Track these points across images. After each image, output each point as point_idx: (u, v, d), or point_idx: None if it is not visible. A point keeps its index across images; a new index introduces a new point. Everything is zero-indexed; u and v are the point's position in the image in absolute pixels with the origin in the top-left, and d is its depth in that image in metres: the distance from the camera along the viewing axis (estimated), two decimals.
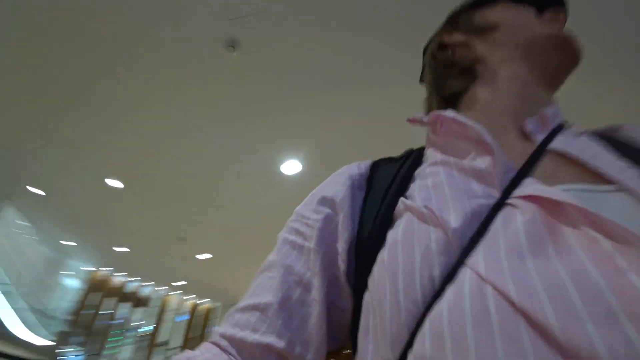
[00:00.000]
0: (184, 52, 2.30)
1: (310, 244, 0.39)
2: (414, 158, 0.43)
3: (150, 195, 4.51)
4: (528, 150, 0.35)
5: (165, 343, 10.00)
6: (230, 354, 0.36)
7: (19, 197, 6.59)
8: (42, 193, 5.93)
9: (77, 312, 9.72)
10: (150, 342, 9.85)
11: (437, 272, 0.27)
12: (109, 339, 10.01)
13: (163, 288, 10.16)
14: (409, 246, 0.29)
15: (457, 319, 0.23)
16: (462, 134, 0.38)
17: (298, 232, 0.41)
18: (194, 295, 10.30)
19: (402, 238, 0.30)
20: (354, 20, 1.89)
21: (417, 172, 0.40)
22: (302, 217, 0.42)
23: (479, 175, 0.33)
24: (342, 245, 0.38)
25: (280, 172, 3.36)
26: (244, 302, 0.39)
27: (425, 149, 0.45)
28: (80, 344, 8.80)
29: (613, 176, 0.27)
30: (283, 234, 0.43)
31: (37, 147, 4.34)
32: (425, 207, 0.31)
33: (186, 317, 10.46)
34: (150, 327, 10.25)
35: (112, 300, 9.91)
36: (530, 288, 0.21)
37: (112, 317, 9.79)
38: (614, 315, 0.18)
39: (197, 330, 10.07)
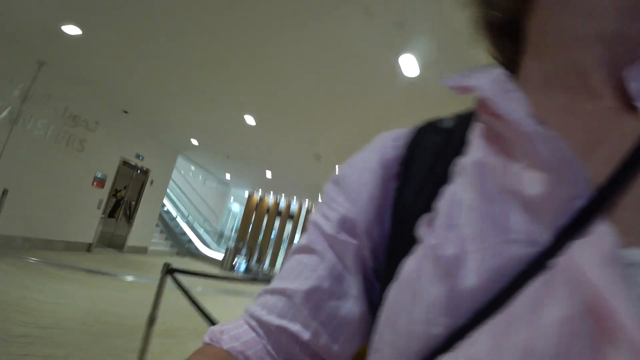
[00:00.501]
0: None
1: (341, 236, 0.34)
2: (459, 136, 0.32)
3: (281, 124, 4.98)
4: (628, 137, 0.20)
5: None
6: (259, 334, 0.36)
7: (185, 149, 8.18)
8: (197, 143, 7.20)
9: (242, 229, 12.20)
10: (289, 244, 11.91)
11: (434, 332, 0.22)
12: (268, 248, 12.39)
13: (308, 203, 11.67)
14: (411, 290, 0.25)
15: None
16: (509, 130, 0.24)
17: (324, 216, 0.36)
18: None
19: (408, 277, 0.26)
20: None
21: (458, 165, 0.28)
22: (330, 199, 0.37)
23: (524, 201, 0.21)
24: (367, 244, 0.34)
25: (401, 74, 3.21)
26: (275, 283, 0.37)
27: (474, 124, 0.31)
28: (248, 254, 11.10)
29: None
30: (313, 215, 0.38)
31: (190, 107, 5.14)
32: (436, 247, 0.24)
33: None
34: (299, 238, 12.41)
35: (268, 217, 12.03)
36: None
37: (269, 230, 11.93)
38: None
39: None
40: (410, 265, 0.26)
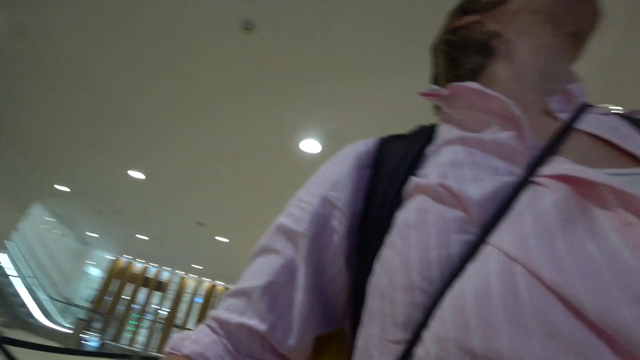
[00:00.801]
0: (200, 36, 2.31)
1: (300, 228, 0.37)
2: (427, 135, 0.40)
3: (170, 183, 4.81)
4: (553, 127, 0.33)
5: (182, 325, 10.59)
6: (220, 335, 0.37)
7: (46, 195, 7.01)
8: (67, 189, 6.38)
9: (99, 299, 10.36)
10: (167, 324, 10.43)
11: (455, 249, 0.25)
12: (129, 322, 10.63)
13: (181, 272, 10.75)
14: (422, 226, 0.27)
15: (484, 298, 0.21)
16: (484, 107, 0.36)
17: (291, 215, 0.40)
18: (210, 279, 10.87)
19: (414, 219, 0.29)
20: (374, 5, 1.88)
21: (429, 150, 0.37)
22: (300, 200, 0.41)
23: (502, 151, 0.31)
24: (340, 228, 0.36)
25: (300, 151, 3.36)
26: (236, 287, 0.39)
27: (438, 126, 0.41)
28: (101, 329, 9.34)
29: None
30: (277, 219, 0.42)
31: (62, 148, 4.68)
32: (441, 185, 0.29)
33: (201, 299, 11.02)
34: (167, 310, 10.89)
35: (132, 286, 10.57)
36: (563, 268, 0.20)
37: (131, 302, 10.41)
38: None
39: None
40: (411, 209, 0.30)
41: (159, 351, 9.45)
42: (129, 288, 10.63)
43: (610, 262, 0.20)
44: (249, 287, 0.37)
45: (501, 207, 0.26)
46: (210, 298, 10.74)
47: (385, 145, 0.42)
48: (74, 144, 4.45)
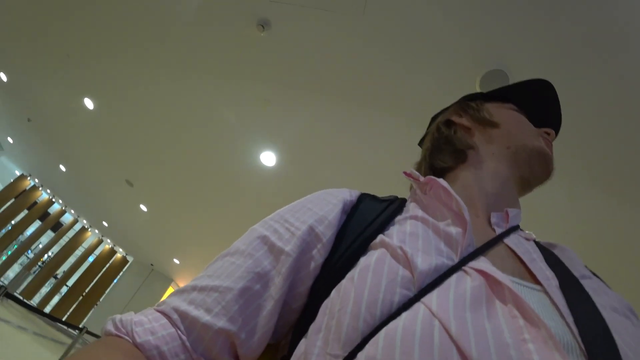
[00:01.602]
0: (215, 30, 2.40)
1: (286, 247, 0.41)
2: (397, 206, 0.48)
3: (119, 123, 4.36)
4: (488, 235, 0.44)
5: (61, 279, 9.42)
6: (178, 328, 0.37)
7: None
8: (5, 79, 5.60)
9: None
10: (46, 272, 9.22)
11: (396, 299, 0.33)
12: (5, 251, 9.33)
13: (85, 223, 9.67)
14: (378, 273, 0.35)
15: (408, 335, 0.28)
16: (445, 202, 0.45)
17: (276, 232, 0.44)
18: (112, 242, 9.85)
19: (374, 266, 0.36)
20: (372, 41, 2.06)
21: (397, 218, 0.45)
22: (286, 221, 0.45)
23: (448, 240, 0.40)
24: (319, 258, 0.42)
25: (260, 163, 3.47)
26: (202, 282, 0.40)
27: (408, 202, 0.51)
28: None
29: (541, 280, 0.36)
30: (259, 229, 0.45)
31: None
32: (400, 248, 0.37)
33: (92, 259, 9.94)
34: (51, 255, 9.67)
35: (26, 214, 9.26)
36: (465, 329, 0.28)
37: (18, 231, 9.11)
38: None
39: (98, 275, 9.55)
40: (373, 257, 0.38)
41: (23, 295, 8.27)
42: (22, 216, 9.28)
43: (495, 336, 0.28)
44: (223, 287, 0.39)
45: (436, 279, 0.34)
46: (105, 262, 9.67)
47: (363, 199, 0.50)
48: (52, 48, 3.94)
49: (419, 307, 0.31)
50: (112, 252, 9.92)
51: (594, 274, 0.46)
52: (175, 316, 0.38)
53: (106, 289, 9.43)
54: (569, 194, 2.25)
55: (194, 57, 2.80)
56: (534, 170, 0.54)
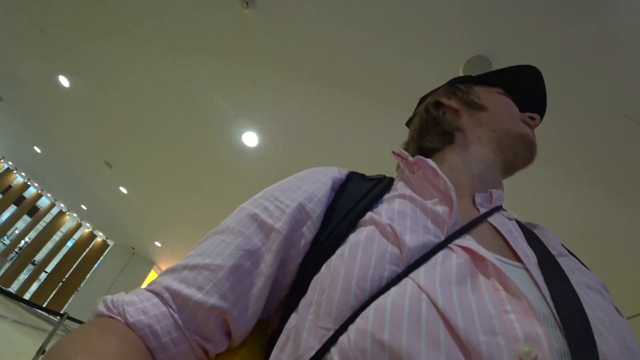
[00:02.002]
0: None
1: (276, 225, 0.42)
2: (385, 184, 0.50)
3: (99, 105, 4.25)
4: (473, 215, 0.46)
5: (39, 264, 9.25)
6: (170, 307, 0.37)
7: None
8: None
9: None
10: (24, 258, 9.03)
11: (385, 275, 0.34)
12: None
13: (63, 206, 9.47)
14: (368, 250, 0.36)
15: (397, 309, 0.30)
16: (433, 182, 0.46)
17: (266, 210, 0.44)
18: (91, 226, 9.68)
19: (364, 242, 0.37)
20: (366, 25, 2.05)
21: (386, 196, 0.47)
22: (275, 199, 0.46)
23: (435, 218, 0.41)
24: (308, 235, 0.43)
25: (242, 143, 3.45)
26: (193, 260, 0.41)
27: (396, 181, 0.52)
28: None
29: (521, 257, 0.38)
30: (248, 207, 0.46)
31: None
32: (389, 225, 0.38)
33: (71, 243, 9.77)
34: (30, 241, 9.45)
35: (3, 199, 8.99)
36: (451, 303, 0.30)
37: None
38: (495, 333, 0.28)
39: (78, 260, 9.40)
40: (362, 234, 0.39)
41: (0, 282, 8.09)
42: None
43: (479, 308, 0.30)
44: (214, 264, 0.39)
45: (423, 256, 0.36)
46: (84, 247, 9.52)
47: (351, 178, 0.51)
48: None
49: (407, 282, 0.32)
50: (92, 236, 9.78)
51: (571, 253, 0.49)
52: (166, 295, 0.38)
53: (86, 274, 9.33)
54: (569, 192, 2.28)
55: (174, 34, 2.74)
56: (517, 155, 0.55)
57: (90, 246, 9.67)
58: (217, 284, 0.38)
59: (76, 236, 9.84)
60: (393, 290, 0.32)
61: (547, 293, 0.33)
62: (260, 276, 0.41)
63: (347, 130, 2.78)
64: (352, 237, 0.39)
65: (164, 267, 9.73)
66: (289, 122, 3.00)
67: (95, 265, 9.56)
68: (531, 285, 0.35)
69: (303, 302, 0.37)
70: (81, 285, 9.26)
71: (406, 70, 2.18)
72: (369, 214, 0.42)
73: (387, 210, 0.43)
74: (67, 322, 4.37)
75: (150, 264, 9.36)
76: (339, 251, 0.38)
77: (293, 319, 0.38)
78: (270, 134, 3.24)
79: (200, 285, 0.38)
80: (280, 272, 0.43)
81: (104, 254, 9.80)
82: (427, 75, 2.13)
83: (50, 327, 6.21)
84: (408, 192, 0.46)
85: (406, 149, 0.65)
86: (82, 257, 9.42)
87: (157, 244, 7.80)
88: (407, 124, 0.70)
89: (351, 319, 0.32)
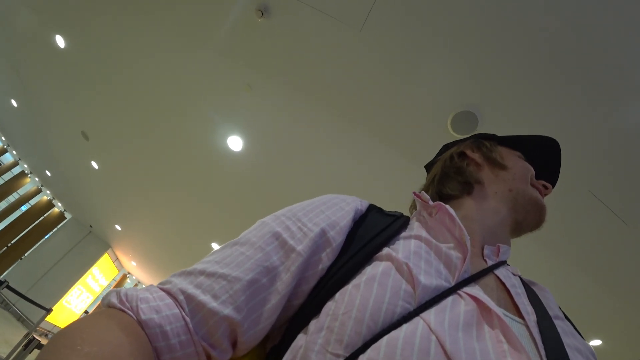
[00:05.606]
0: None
1: (297, 247, 0.44)
2: (402, 223, 0.52)
3: (90, 72, 4.00)
4: (480, 265, 0.49)
5: None
6: (183, 309, 0.38)
7: None
8: None
9: None
10: None
11: (398, 310, 0.36)
12: None
13: (26, 167, 8.93)
14: (383, 284, 0.38)
15: (408, 345, 0.32)
16: (449, 228, 0.49)
17: (288, 229, 0.46)
18: (51, 195, 9.15)
19: (380, 277, 0.39)
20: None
21: (402, 234, 0.49)
22: (298, 220, 0.47)
23: (448, 263, 0.44)
24: (326, 261, 0.45)
25: (226, 146, 3.38)
26: (210, 267, 0.42)
27: (412, 221, 0.55)
28: None
29: (523, 314, 0.41)
30: (271, 223, 0.47)
31: None
32: (406, 264, 0.40)
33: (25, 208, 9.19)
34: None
35: None
36: (457, 347, 0.32)
37: None
38: None
39: (29, 227, 8.81)
40: (379, 268, 0.41)
41: None
42: None
43: (482, 356, 0.33)
44: (232, 276, 0.41)
45: (435, 298, 0.38)
46: (39, 215, 8.94)
47: (371, 211, 0.54)
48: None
49: (418, 322, 0.35)
50: (50, 205, 9.21)
51: (566, 317, 0.51)
52: (181, 297, 0.39)
53: (35, 244, 8.71)
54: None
55: (185, 22, 2.67)
56: (528, 216, 0.59)
57: (45, 215, 9.09)
58: (232, 295, 0.39)
59: (33, 201, 9.26)
60: (405, 326, 0.34)
61: (543, 352, 0.36)
62: (275, 293, 0.42)
63: (332, 153, 2.81)
64: (369, 270, 0.41)
65: (119, 253, 9.28)
66: (276, 131, 2.97)
67: (47, 237, 8.98)
68: (529, 341, 0.38)
69: (314, 326, 0.39)
70: (26, 255, 8.65)
71: (395, 114, 2.29)
72: (385, 249, 0.44)
73: (403, 248, 0.45)
74: (5, 290, 3.96)
75: (105, 247, 8.88)
76: (354, 281, 0.40)
77: (301, 339, 0.39)
78: (255, 140, 3.17)
79: (216, 293, 0.39)
80: (293, 292, 0.44)
81: (59, 226, 9.23)
82: (414, 122, 2.24)
83: None
84: (424, 233, 0.49)
85: (425, 190, 0.68)
86: (34, 224, 8.82)
87: (117, 227, 7.43)
88: (427, 167, 0.75)
89: (362, 349, 0.34)
